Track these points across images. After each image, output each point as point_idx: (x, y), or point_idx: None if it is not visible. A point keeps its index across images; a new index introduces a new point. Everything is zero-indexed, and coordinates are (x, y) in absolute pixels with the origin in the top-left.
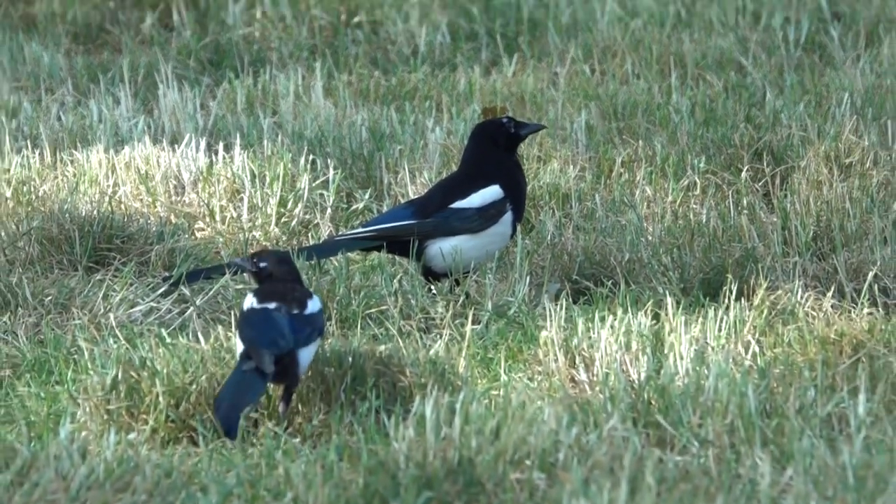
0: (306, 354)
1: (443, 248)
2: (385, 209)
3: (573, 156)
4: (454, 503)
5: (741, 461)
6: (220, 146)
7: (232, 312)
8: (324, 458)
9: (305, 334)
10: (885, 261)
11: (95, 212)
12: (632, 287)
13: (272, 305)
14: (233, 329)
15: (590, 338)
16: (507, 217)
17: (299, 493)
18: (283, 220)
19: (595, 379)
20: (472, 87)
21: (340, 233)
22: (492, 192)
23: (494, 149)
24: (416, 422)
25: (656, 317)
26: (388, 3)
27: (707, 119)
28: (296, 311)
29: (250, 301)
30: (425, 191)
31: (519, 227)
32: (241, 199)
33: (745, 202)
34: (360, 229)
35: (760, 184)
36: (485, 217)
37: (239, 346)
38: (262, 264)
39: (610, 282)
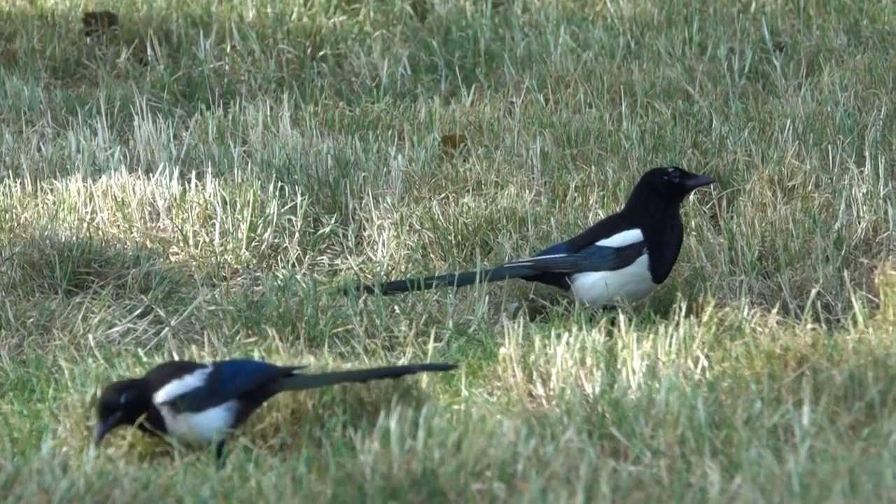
0: None
1: (585, 283)
2: (350, 234)
3: (529, 181)
4: None
5: (692, 470)
6: (193, 174)
7: (206, 333)
8: (294, 471)
9: None
10: (827, 279)
11: (74, 238)
12: (586, 305)
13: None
14: (205, 350)
15: (546, 354)
16: (643, 259)
17: None
18: (254, 244)
19: (552, 393)
20: (433, 116)
21: (508, 261)
22: (632, 235)
23: (651, 196)
24: (382, 435)
25: (610, 333)
26: (352, 37)
27: (656, 145)
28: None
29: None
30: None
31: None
32: (213, 225)
33: (693, 224)
34: (524, 259)
35: (708, 206)
36: (621, 257)
37: None
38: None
39: (565, 300)
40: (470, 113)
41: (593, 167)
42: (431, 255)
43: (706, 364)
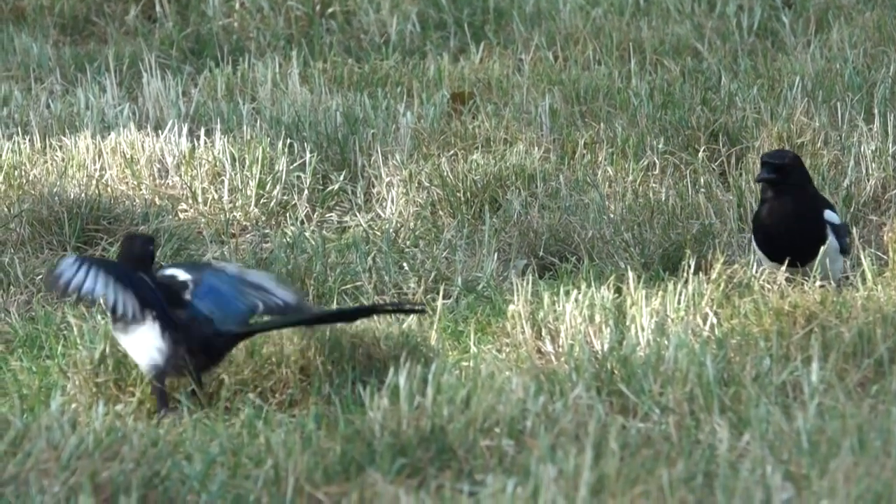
0: None
1: None
2: (359, 190)
3: (538, 138)
4: (427, 469)
5: (700, 427)
6: (202, 131)
7: None
8: (303, 428)
9: None
10: None
11: (83, 195)
12: (595, 262)
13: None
14: None
15: (555, 311)
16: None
17: (279, 461)
18: (263, 201)
19: (560, 350)
20: (441, 73)
21: None
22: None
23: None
24: (391, 392)
25: (618, 290)
26: None
27: (665, 102)
28: None
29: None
30: None
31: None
32: (222, 182)
33: (702, 181)
34: None
35: (717, 163)
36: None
37: None
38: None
39: (574, 257)
40: (479, 70)
41: (602, 124)
42: (440, 213)
43: (715, 321)
